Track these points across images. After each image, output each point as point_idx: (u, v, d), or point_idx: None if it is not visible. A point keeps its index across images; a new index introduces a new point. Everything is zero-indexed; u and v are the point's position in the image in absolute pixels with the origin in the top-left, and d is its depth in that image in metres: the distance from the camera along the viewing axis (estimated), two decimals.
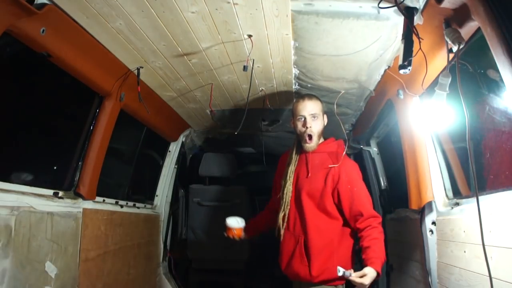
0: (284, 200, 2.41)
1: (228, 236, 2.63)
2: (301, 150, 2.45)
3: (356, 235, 2.31)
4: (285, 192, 2.41)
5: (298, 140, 2.47)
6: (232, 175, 3.99)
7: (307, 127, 2.32)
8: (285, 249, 2.38)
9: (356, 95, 2.72)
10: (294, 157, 2.46)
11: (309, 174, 2.34)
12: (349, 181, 2.27)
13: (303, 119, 2.34)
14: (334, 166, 2.28)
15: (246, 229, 2.64)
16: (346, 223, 2.31)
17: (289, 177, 2.42)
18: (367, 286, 2.02)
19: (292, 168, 2.44)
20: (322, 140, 2.43)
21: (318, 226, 2.28)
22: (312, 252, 2.25)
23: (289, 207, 2.39)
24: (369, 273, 2.01)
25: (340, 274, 2.01)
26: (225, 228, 2.62)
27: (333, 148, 2.41)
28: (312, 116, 2.33)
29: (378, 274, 2.04)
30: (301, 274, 2.28)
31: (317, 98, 2.42)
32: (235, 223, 2.60)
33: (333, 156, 2.35)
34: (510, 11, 1.20)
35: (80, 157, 2.34)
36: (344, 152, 2.37)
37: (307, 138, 2.34)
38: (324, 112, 2.42)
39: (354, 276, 2.01)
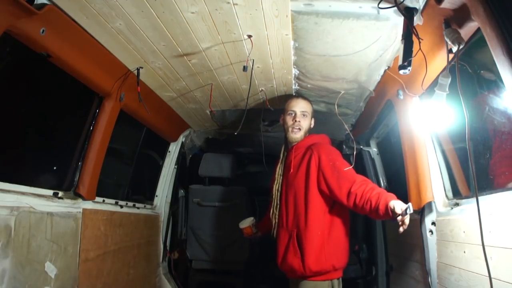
0: (274, 200, 2.55)
1: (246, 236, 2.92)
2: (287, 149, 2.58)
3: (347, 227, 2.39)
4: (274, 192, 2.56)
5: (285, 141, 2.61)
6: (232, 175, 3.99)
7: (295, 121, 2.48)
8: (280, 244, 2.45)
9: (356, 96, 2.71)
10: (282, 157, 2.60)
11: (293, 170, 2.44)
12: (330, 158, 2.33)
13: (293, 114, 2.51)
14: (313, 154, 2.37)
15: (259, 226, 2.90)
16: (334, 214, 2.35)
17: (278, 177, 2.58)
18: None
19: (280, 169, 2.59)
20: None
21: (308, 218, 2.32)
22: (305, 243, 2.29)
23: (279, 206, 2.51)
24: (397, 204, 1.98)
25: (410, 211, 1.91)
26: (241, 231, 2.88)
27: (315, 140, 2.52)
28: (302, 113, 2.51)
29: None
30: (295, 266, 2.31)
31: (310, 101, 2.59)
32: (243, 223, 2.87)
33: (313, 146, 2.43)
34: (510, 11, 1.20)
35: (80, 157, 2.34)
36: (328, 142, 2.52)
37: (295, 129, 2.49)
38: (313, 117, 2.59)
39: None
